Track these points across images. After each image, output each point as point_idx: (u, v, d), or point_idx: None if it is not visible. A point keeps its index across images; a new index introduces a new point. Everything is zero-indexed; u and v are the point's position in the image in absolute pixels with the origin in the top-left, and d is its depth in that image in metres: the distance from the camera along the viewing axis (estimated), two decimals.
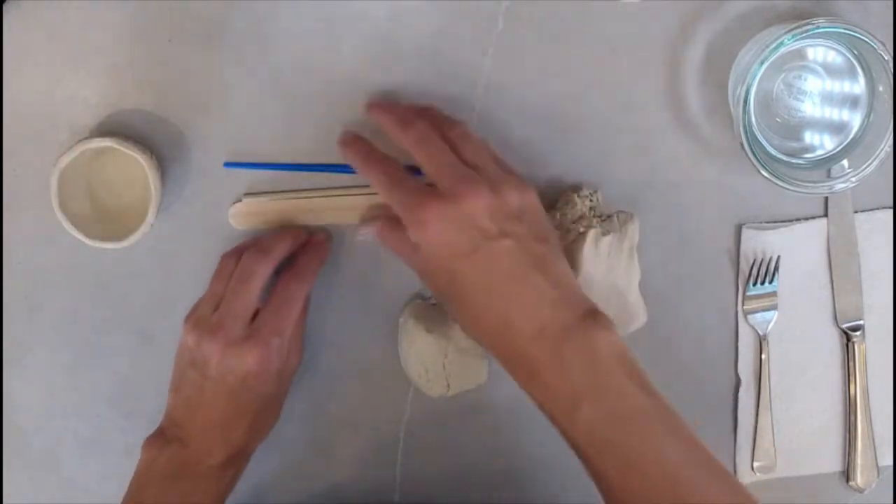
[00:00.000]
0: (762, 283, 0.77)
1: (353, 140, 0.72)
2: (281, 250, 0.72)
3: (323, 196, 0.74)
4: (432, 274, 0.65)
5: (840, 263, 0.78)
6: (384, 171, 0.68)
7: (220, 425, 0.70)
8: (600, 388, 0.60)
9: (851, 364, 0.79)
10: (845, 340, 0.79)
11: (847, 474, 0.81)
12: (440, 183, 0.64)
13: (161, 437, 0.71)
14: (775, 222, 0.77)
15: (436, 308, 0.75)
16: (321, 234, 0.75)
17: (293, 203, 0.74)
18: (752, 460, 0.80)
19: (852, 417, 0.80)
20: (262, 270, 0.70)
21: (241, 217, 0.74)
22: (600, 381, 0.61)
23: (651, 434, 0.60)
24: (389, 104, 0.72)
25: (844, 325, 0.78)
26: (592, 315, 0.62)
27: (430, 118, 0.69)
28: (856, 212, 0.77)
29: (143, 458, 0.71)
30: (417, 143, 0.66)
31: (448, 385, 0.75)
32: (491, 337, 0.64)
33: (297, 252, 0.73)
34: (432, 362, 0.74)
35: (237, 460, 0.72)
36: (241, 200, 0.74)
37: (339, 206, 0.74)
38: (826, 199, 0.77)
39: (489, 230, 0.63)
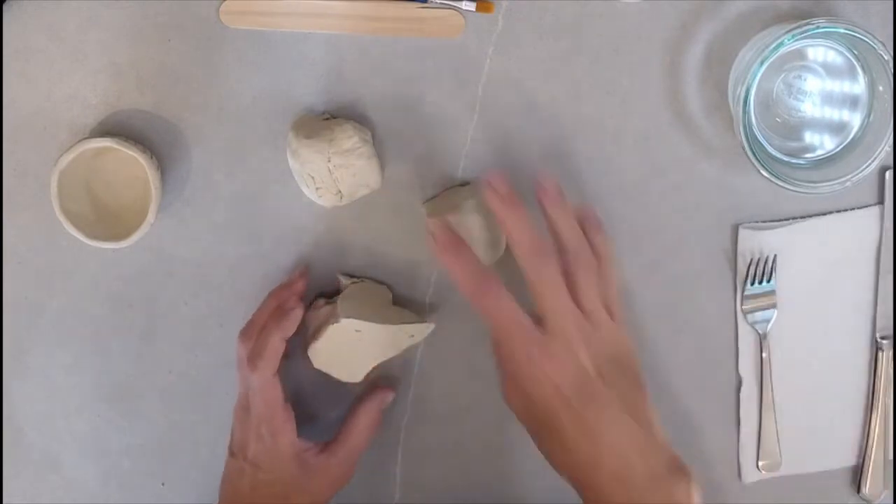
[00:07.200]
0: (760, 283, 0.77)
1: (457, 249, 0.68)
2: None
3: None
4: (530, 407, 0.66)
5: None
6: (501, 304, 0.66)
7: None
8: None
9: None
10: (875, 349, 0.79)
11: (858, 486, 0.81)
12: (553, 321, 0.65)
13: None
14: (773, 221, 0.77)
15: (316, 119, 0.73)
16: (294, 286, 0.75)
17: (290, 3, 0.70)
18: (758, 459, 0.80)
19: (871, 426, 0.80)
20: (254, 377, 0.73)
21: (233, 16, 0.72)
22: None
23: None
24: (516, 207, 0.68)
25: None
26: (679, 468, 0.65)
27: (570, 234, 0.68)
28: (853, 209, 0.77)
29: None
30: (539, 281, 0.66)
31: (340, 192, 0.72)
32: (577, 472, 0.66)
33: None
34: (317, 168, 0.71)
35: None
36: None
37: (342, 13, 0.71)
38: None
39: (592, 373, 0.65)
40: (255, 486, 0.72)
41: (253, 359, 0.71)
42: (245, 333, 0.73)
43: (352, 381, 0.75)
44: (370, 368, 0.75)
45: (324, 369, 0.74)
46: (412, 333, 0.74)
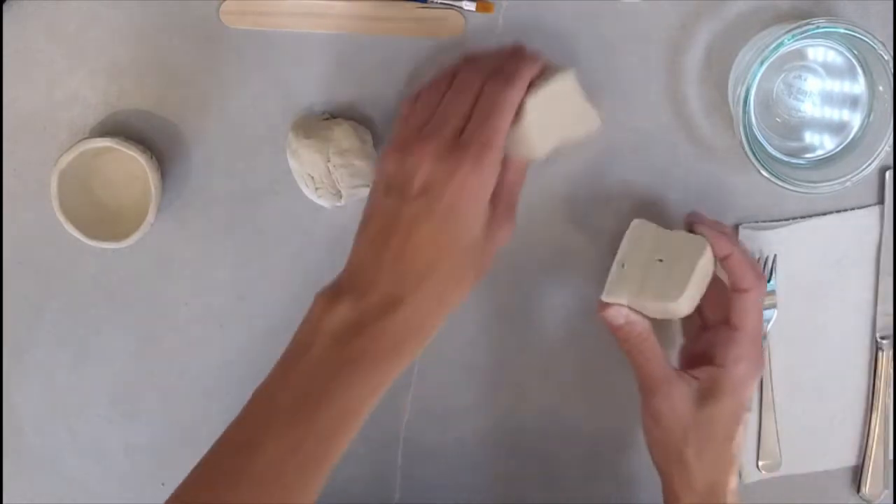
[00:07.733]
0: None
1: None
2: (495, 62, 0.65)
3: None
4: (663, 442, 0.71)
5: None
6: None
7: (410, 265, 0.59)
8: None
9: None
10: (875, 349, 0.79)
11: (858, 486, 0.81)
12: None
13: (333, 290, 0.60)
14: (773, 221, 0.77)
15: (316, 119, 0.73)
16: (530, 49, 0.67)
17: (290, 3, 0.70)
18: (758, 459, 0.80)
19: (871, 426, 0.80)
20: (477, 81, 0.63)
21: (233, 16, 0.71)
22: None
23: None
24: None
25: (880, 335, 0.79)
26: None
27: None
28: (853, 209, 0.77)
29: (309, 316, 0.60)
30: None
31: (339, 192, 0.72)
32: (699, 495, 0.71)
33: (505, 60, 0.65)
34: (316, 168, 0.71)
35: (420, 327, 0.60)
36: None
37: (342, 13, 0.70)
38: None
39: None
40: (449, 234, 0.60)
41: (516, 73, 0.63)
42: (478, 57, 0.66)
43: (533, 156, 0.67)
44: (554, 145, 0.67)
45: (525, 136, 0.65)
46: (591, 118, 0.69)
